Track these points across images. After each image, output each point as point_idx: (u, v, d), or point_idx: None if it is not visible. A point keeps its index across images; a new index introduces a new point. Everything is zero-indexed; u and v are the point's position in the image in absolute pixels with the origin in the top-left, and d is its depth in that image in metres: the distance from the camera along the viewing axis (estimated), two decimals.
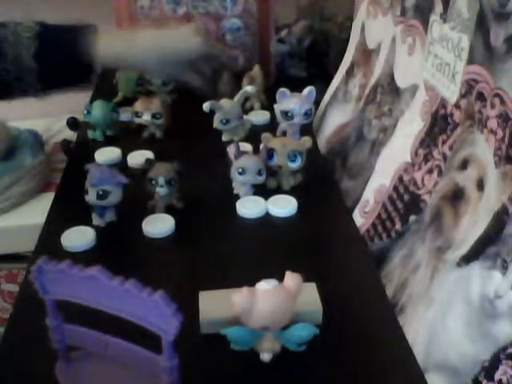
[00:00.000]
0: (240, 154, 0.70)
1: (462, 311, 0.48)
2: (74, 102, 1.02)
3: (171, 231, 0.67)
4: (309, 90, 0.78)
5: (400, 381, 0.50)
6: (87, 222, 0.67)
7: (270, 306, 0.47)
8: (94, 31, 0.75)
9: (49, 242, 0.66)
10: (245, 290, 0.47)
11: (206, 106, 0.79)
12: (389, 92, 0.73)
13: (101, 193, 0.64)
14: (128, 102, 0.94)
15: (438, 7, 0.60)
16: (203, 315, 0.52)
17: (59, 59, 0.73)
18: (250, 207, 0.70)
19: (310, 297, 0.54)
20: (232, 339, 0.50)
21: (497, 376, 0.43)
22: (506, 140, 0.46)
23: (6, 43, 0.71)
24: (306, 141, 0.73)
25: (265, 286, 0.47)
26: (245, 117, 0.86)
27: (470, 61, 0.53)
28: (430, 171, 0.59)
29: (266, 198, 0.71)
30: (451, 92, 0.57)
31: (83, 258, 0.62)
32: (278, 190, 0.74)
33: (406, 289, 0.57)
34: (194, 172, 0.74)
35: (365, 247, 0.67)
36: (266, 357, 0.49)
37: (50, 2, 1.39)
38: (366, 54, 0.84)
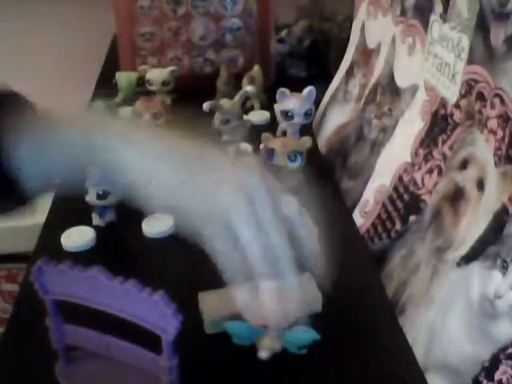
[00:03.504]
0: (240, 154, 0.70)
1: (462, 311, 0.48)
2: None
3: (171, 231, 0.67)
4: (309, 90, 0.78)
5: (400, 381, 0.50)
6: (87, 222, 0.67)
7: (271, 304, 0.47)
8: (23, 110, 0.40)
9: (49, 242, 0.66)
10: (247, 285, 0.47)
11: (205, 105, 0.79)
12: (389, 92, 0.73)
13: (101, 193, 0.64)
14: (128, 101, 0.94)
15: (438, 7, 0.60)
16: (206, 315, 0.52)
17: None
18: None
19: (307, 286, 0.54)
20: (232, 333, 0.50)
21: (497, 376, 0.43)
22: (506, 140, 0.46)
23: None
24: (306, 141, 0.73)
25: (267, 283, 0.47)
26: (245, 117, 0.86)
27: (470, 61, 0.53)
28: (430, 171, 0.59)
29: None
30: (451, 92, 0.57)
31: (83, 258, 0.62)
32: None
33: (406, 289, 0.57)
34: None
35: (365, 247, 0.67)
36: (263, 354, 0.49)
37: (50, 2, 1.39)
38: (366, 54, 0.84)
